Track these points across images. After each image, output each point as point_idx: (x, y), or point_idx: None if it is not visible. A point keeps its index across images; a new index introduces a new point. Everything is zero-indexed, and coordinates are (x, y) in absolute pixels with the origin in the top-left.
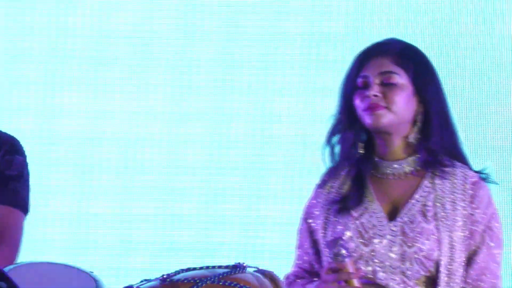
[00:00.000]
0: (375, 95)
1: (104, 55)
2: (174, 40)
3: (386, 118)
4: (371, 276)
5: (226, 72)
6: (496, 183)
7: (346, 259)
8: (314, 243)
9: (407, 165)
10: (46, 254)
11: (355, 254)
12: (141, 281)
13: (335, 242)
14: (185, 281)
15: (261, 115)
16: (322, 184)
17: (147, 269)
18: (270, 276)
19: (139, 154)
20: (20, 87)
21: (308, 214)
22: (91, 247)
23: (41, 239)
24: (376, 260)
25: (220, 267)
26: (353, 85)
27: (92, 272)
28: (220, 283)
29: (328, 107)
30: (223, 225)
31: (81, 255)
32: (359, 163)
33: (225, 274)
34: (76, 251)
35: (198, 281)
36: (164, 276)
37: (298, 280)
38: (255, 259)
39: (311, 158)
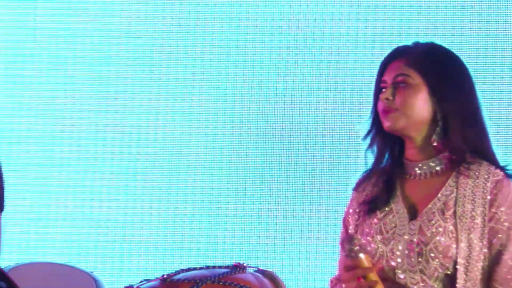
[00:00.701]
0: (387, 99)
1: (106, 55)
2: (176, 41)
3: (398, 120)
4: (391, 275)
5: (228, 72)
6: None
7: (361, 255)
8: None
9: (432, 165)
10: (46, 254)
11: (376, 254)
12: (141, 281)
13: (350, 239)
14: (185, 281)
15: (262, 115)
16: (356, 187)
17: (147, 269)
18: (270, 276)
19: (140, 154)
20: (22, 87)
21: (345, 218)
22: (91, 247)
23: (41, 239)
24: (395, 259)
25: (220, 267)
26: (378, 90)
27: (92, 272)
28: (220, 283)
29: (330, 107)
30: (223, 225)
31: (81, 255)
32: (390, 165)
33: (225, 274)
34: (76, 251)
35: (198, 281)
36: (164, 276)
37: (339, 284)
38: (255, 259)
39: (312, 158)
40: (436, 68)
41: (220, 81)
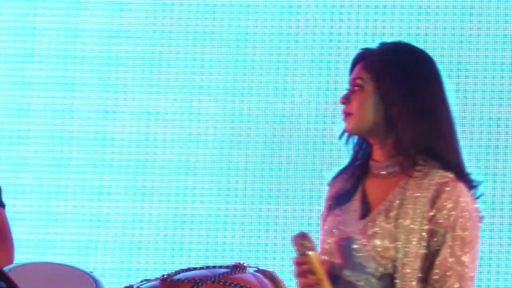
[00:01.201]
0: (343, 102)
1: (113, 55)
2: (182, 41)
3: (350, 123)
4: (339, 273)
5: (234, 73)
6: (478, 184)
7: (310, 252)
8: None
9: (389, 167)
10: (46, 254)
11: (329, 251)
12: (141, 281)
13: (302, 236)
14: (185, 281)
15: (263, 115)
16: (330, 183)
17: (147, 269)
18: (270, 276)
19: (140, 154)
20: (28, 87)
21: (322, 213)
22: (91, 247)
23: (41, 239)
24: (342, 257)
25: (220, 267)
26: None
27: (92, 272)
28: (220, 283)
29: (331, 107)
30: (223, 225)
31: (81, 255)
32: (360, 164)
33: (225, 274)
34: (76, 251)
35: (198, 281)
36: (164, 276)
37: None
38: (255, 259)
39: (313, 159)
40: (388, 72)
41: (220, 81)
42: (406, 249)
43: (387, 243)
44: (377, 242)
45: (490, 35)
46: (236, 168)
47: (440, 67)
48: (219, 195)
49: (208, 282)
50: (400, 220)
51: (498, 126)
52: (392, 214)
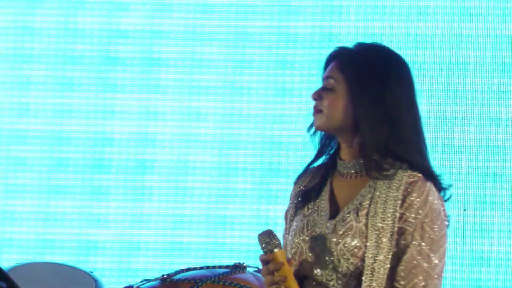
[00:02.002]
0: (315, 99)
1: (112, 56)
2: (182, 41)
3: (320, 121)
4: (310, 272)
5: (234, 73)
6: (447, 186)
7: (275, 249)
8: None
9: (355, 167)
10: (46, 254)
11: (297, 251)
12: (141, 281)
13: (268, 233)
14: (185, 281)
15: (269, 116)
16: (296, 182)
17: (147, 269)
18: None
19: (142, 155)
20: (28, 87)
21: (286, 211)
22: (92, 247)
23: (41, 239)
24: (312, 256)
25: (220, 267)
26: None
27: (92, 272)
28: (220, 283)
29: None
30: (223, 225)
31: (81, 255)
32: (327, 162)
33: (225, 274)
34: (76, 251)
35: (198, 281)
36: (164, 276)
37: None
38: (255, 259)
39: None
40: (360, 75)
41: (220, 82)
42: (377, 248)
43: (358, 242)
44: (348, 241)
45: (489, 35)
46: (236, 168)
47: (412, 70)
48: (219, 195)
49: (208, 282)
50: (371, 219)
51: (497, 126)
52: (362, 213)
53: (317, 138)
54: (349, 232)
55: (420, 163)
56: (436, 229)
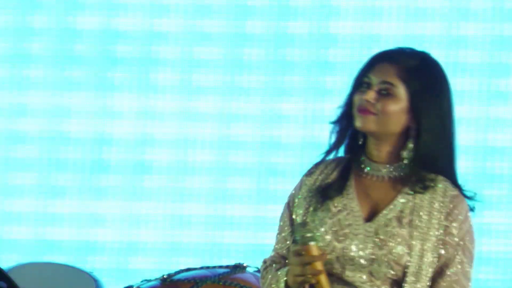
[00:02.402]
0: (368, 101)
1: (111, 56)
2: (180, 41)
3: (372, 125)
4: (339, 272)
5: (233, 73)
6: (480, 201)
7: (311, 242)
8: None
9: (392, 171)
10: (46, 254)
11: (327, 248)
12: (141, 281)
13: (303, 225)
14: (185, 281)
15: (267, 116)
16: (308, 174)
17: (147, 269)
18: None
19: (143, 155)
20: (26, 87)
21: (291, 202)
22: (91, 247)
23: (41, 239)
24: (346, 258)
25: (220, 267)
26: (358, 84)
27: (92, 272)
28: (220, 283)
29: (335, 110)
30: (223, 225)
31: (81, 255)
32: (349, 158)
33: (225, 274)
34: (76, 251)
35: (198, 281)
36: (164, 276)
37: (274, 265)
38: (255, 259)
39: (315, 160)
40: (421, 85)
41: (219, 81)
42: (420, 257)
43: (402, 249)
44: (393, 247)
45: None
46: (236, 168)
47: None
48: (219, 195)
49: (208, 282)
50: (415, 229)
51: (497, 126)
52: (404, 221)
53: (337, 130)
54: (393, 239)
55: (454, 177)
56: (473, 245)
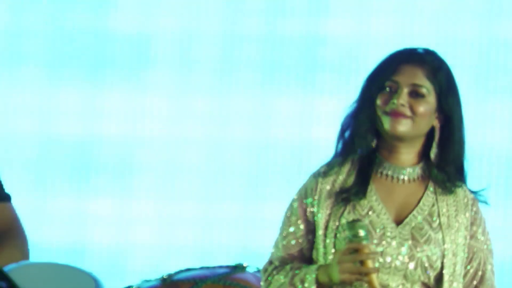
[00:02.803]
0: (403, 104)
1: (104, 55)
2: (174, 41)
3: (406, 128)
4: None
5: (226, 73)
6: (488, 205)
7: (365, 241)
8: (309, 227)
9: (412, 173)
10: (46, 254)
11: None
12: (141, 281)
13: (354, 223)
14: (185, 281)
15: (262, 116)
16: (323, 175)
17: (147, 269)
18: None
19: (139, 155)
20: (20, 87)
21: (303, 198)
22: (91, 248)
23: (41, 239)
24: (381, 260)
25: (220, 267)
26: (381, 86)
27: (92, 272)
28: (220, 283)
29: (329, 109)
30: (223, 225)
31: (81, 255)
32: (365, 158)
33: (225, 274)
34: (76, 251)
35: (198, 281)
36: (164, 276)
37: (290, 265)
38: (255, 259)
39: (312, 159)
40: (447, 86)
41: (218, 81)
42: (454, 261)
43: (437, 251)
44: (429, 250)
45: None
46: (236, 168)
47: None
48: (219, 194)
49: (208, 282)
50: (445, 231)
51: (496, 126)
52: (435, 224)
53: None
54: (429, 241)
55: (467, 178)
56: (491, 246)
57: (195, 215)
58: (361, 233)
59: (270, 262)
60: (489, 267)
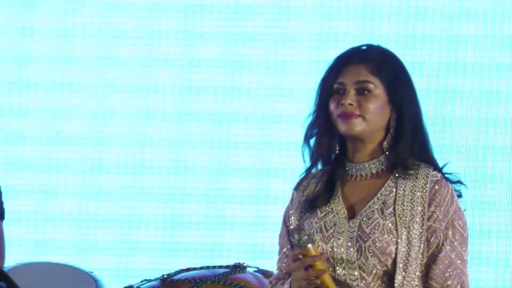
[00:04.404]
0: (350, 104)
1: (107, 56)
2: (177, 41)
3: (360, 126)
4: (331, 272)
5: (229, 74)
6: (466, 186)
7: (309, 245)
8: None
9: (373, 167)
10: (46, 254)
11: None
12: (141, 281)
13: (298, 229)
14: (185, 281)
15: (264, 116)
16: (297, 187)
17: (147, 269)
18: (270, 276)
19: (141, 155)
20: (23, 88)
21: (286, 218)
22: (91, 247)
23: (41, 239)
24: (335, 257)
25: (220, 267)
26: (329, 90)
27: (92, 272)
28: (220, 283)
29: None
30: (223, 225)
31: (81, 255)
32: (331, 165)
33: (225, 274)
34: (76, 251)
35: (198, 281)
36: (164, 276)
37: (279, 283)
38: (255, 259)
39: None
40: (394, 76)
41: (214, 81)
42: (408, 245)
43: (387, 238)
44: (377, 238)
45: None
46: (236, 168)
47: None
48: (218, 195)
49: (208, 282)
50: (399, 218)
51: (496, 126)
52: (388, 211)
53: (317, 142)
54: (376, 230)
55: (435, 162)
56: (464, 227)
57: (196, 215)
58: (303, 237)
59: (270, 282)
60: (447, 247)
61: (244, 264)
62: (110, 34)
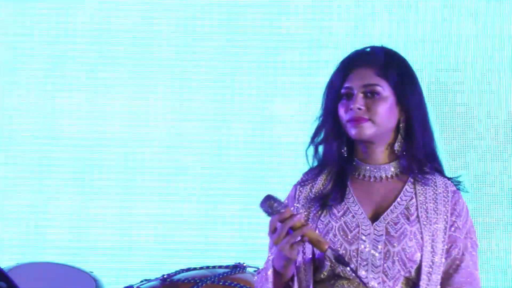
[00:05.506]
0: (359, 108)
1: (104, 56)
2: (174, 41)
3: (369, 130)
4: (353, 273)
5: (226, 74)
6: (468, 192)
7: (282, 210)
8: None
9: (389, 170)
10: (46, 254)
11: (339, 250)
12: (141, 281)
13: (270, 198)
14: (185, 281)
15: (262, 116)
16: (302, 183)
17: (147, 269)
18: None
19: (139, 155)
20: (20, 87)
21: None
22: (91, 247)
23: (41, 239)
24: (359, 259)
25: (220, 267)
26: (337, 95)
27: (92, 272)
28: (220, 283)
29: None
30: (223, 225)
31: (81, 255)
32: (341, 164)
33: (225, 274)
34: (76, 251)
35: (198, 281)
36: (164, 276)
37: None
38: (255, 259)
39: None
40: (401, 78)
41: (213, 81)
42: (432, 253)
43: (415, 245)
44: (406, 244)
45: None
46: (236, 168)
47: None
48: (218, 194)
49: (208, 282)
50: (424, 224)
51: (497, 126)
52: (412, 217)
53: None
54: (405, 235)
55: (443, 168)
56: (475, 236)
57: (195, 215)
58: (274, 204)
59: (258, 272)
60: (468, 257)
61: (244, 264)
62: (110, 34)
